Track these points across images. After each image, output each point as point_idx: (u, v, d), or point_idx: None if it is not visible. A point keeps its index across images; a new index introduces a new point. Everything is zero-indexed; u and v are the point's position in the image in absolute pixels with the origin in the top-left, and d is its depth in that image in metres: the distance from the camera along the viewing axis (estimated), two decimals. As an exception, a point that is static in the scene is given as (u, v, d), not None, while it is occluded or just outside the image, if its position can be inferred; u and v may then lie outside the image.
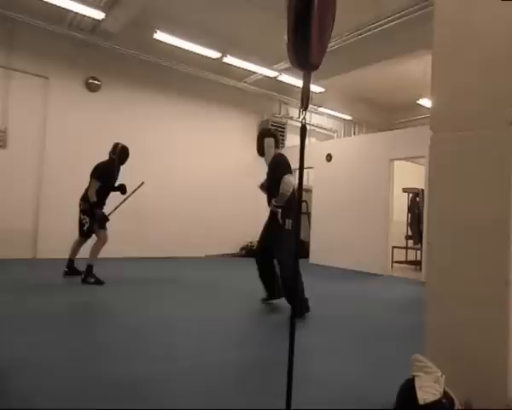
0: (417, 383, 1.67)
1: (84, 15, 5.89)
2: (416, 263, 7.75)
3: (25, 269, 5.37)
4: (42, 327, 2.83)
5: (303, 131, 1.48)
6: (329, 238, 7.61)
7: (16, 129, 6.22)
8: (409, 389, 1.74)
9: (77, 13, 5.87)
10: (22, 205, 6.21)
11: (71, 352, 2.36)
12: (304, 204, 9.41)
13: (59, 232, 6.44)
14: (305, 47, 1.41)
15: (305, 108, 1.45)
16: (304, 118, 1.46)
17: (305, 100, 1.44)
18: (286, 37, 1.45)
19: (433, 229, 1.91)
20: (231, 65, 7.38)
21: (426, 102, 8.43)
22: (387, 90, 9.17)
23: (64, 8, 5.70)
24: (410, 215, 7.79)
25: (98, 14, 5.78)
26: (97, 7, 5.66)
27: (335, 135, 10.17)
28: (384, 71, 7.71)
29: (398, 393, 1.71)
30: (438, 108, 1.90)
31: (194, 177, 8.10)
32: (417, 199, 7.53)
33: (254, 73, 7.90)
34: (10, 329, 2.76)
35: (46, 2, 5.48)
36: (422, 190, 7.07)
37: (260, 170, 9.00)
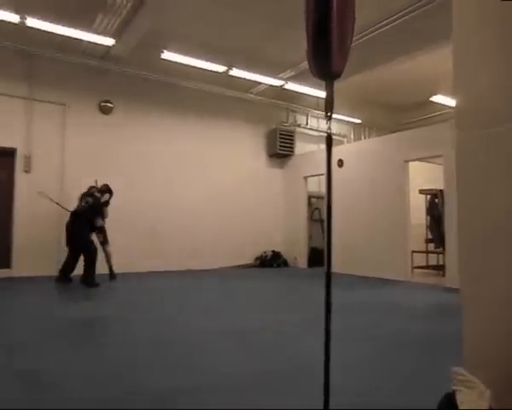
0: (459, 399, 1.58)
1: (96, 43, 6.14)
2: (439, 268, 7.52)
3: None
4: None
5: (329, 141, 1.44)
6: (345, 245, 7.46)
7: (39, 154, 6.52)
8: (449, 404, 1.66)
9: (89, 41, 6.12)
10: (46, 225, 6.38)
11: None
12: (316, 212, 9.33)
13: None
14: (326, 56, 1.37)
15: (330, 118, 1.40)
16: (329, 128, 1.41)
17: (330, 110, 1.40)
18: (306, 47, 1.41)
19: (463, 231, 1.82)
20: (237, 77, 7.43)
21: (440, 99, 8.25)
22: (397, 89, 9.06)
23: (77, 39, 5.97)
24: (428, 218, 7.60)
25: (108, 41, 6.02)
26: (107, 34, 5.88)
27: (345, 140, 10.10)
28: (392, 70, 7.63)
29: (437, 408, 1.63)
30: (463, 105, 1.81)
31: (206, 190, 8.13)
32: (436, 200, 7.35)
33: (260, 83, 7.94)
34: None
35: (61, 35, 5.79)
36: (441, 191, 6.89)
37: (271, 180, 9.08)
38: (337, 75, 1.41)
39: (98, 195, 5.71)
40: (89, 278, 5.40)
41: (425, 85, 8.27)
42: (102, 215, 5.81)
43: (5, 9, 5.19)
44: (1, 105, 6.24)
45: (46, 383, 2.20)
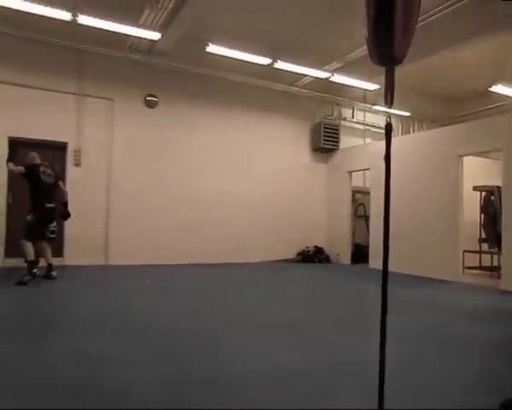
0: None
1: (142, 38, 6.25)
2: (492, 269, 7.04)
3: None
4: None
5: (388, 129, 1.38)
6: (391, 243, 7.16)
7: (88, 148, 6.82)
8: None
9: (135, 36, 6.25)
10: (95, 217, 6.71)
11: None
12: (361, 207, 9.05)
13: (126, 240, 6.86)
14: (389, 41, 1.30)
15: (390, 105, 1.34)
16: (389, 116, 1.35)
17: (390, 97, 1.34)
18: (365, 32, 1.35)
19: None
20: (282, 70, 7.35)
21: (501, 89, 7.60)
22: (452, 79, 8.48)
23: (124, 34, 6.09)
24: (483, 216, 7.10)
25: (154, 35, 6.10)
26: (154, 28, 5.98)
27: (392, 133, 9.67)
28: (448, 58, 7.15)
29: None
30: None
31: (249, 184, 8.18)
32: (492, 198, 6.84)
33: (305, 75, 7.81)
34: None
35: (108, 31, 5.89)
36: (498, 188, 6.39)
37: (315, 175, 8.95)
38: (399, 60, 1.34)
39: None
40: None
41: (484, 74, 7.67)
42: None
43: (58, 8, 5.32)
44: (54, 101, 6.55)
45: (95, 357, 2.34)
